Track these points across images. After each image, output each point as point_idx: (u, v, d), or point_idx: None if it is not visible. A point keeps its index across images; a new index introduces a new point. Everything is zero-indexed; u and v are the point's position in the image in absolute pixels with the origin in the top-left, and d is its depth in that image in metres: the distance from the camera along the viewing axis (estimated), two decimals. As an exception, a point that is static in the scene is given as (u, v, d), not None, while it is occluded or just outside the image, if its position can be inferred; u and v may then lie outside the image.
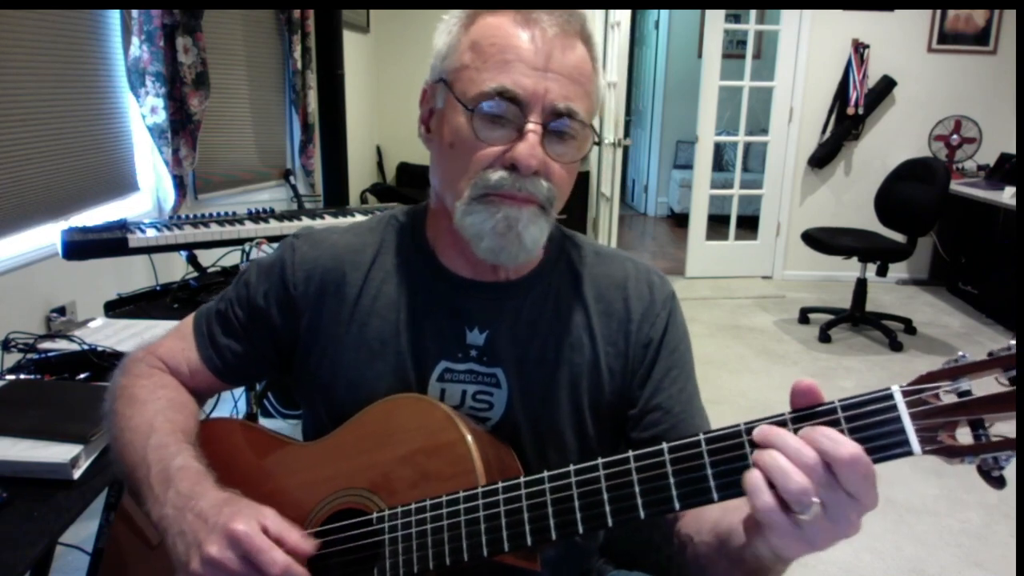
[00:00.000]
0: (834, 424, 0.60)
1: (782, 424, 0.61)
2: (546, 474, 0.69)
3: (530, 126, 0.76)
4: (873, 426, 0.58)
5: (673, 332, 0.91)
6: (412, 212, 0.94)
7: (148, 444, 0.81)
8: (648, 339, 0.90)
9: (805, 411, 0.61)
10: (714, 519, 0.75)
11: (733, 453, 0.62)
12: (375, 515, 0.77)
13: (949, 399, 0.57)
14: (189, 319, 0.97)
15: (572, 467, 0.68)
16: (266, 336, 0.92)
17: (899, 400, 0.58)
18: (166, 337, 0.97)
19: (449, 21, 0.83)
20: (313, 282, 0.89)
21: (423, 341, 0.87)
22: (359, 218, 2.27)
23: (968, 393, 0.57)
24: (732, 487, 0.62)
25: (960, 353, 0.58)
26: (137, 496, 0.80)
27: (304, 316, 0.89)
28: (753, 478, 0.58)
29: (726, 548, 0.71)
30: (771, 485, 0.58)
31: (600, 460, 0.67)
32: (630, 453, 0.66)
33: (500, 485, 0.71)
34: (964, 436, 0.57)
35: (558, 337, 0.88)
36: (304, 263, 0.90)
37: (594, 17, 4.41)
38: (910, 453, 0.57)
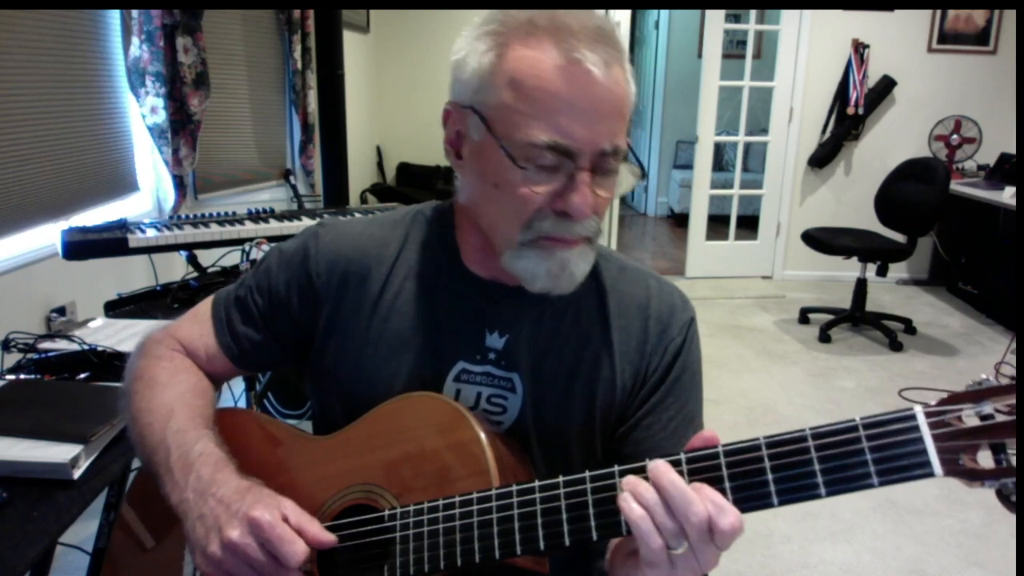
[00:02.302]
0: (854, 442, 0.60)
1: (801, 441, 0.62)
2: (561, 479, 0.69)
3: (582, 176, 0.74)
4: (895, 446, 0.58)
5: (683, 359, 0.90)
6: (440, 209, 0.93)
7: (168, 428, 0.81)
8: (660, 363, 0.89)
9: (826, 427, 0.61)
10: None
11: (753, 466, 0.64)
12: (387, 512, 0.76)
13: (971, 422, 0.57)
14: (207, 302, 0.96)
15: (588, 473, 0.68)
16: (285, 325, 0.91)
17: (922, 421, 0.58)
18: (184, 320, 0.96)
19: (474, 43, 0.77)
20: (336, 273, 0.88)
21: (442, 340, 0.87)
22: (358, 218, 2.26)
23: (990, 417, 0.56)
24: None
25: (983, 376, 0.58)
26: (155, 479, 0.80)
27: (325, 307, 0.88)
28: (646, 522, 0.63)
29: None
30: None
31: (617, 468, 0.67)
32: (647, 462, 0.66)
33: (514, 488, 0.70)
34: (985, 459, 0.57)
35: (576, 349, 0.87)
36: (328, 253, 0.89)
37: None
38: (931, 475, 0.57)
